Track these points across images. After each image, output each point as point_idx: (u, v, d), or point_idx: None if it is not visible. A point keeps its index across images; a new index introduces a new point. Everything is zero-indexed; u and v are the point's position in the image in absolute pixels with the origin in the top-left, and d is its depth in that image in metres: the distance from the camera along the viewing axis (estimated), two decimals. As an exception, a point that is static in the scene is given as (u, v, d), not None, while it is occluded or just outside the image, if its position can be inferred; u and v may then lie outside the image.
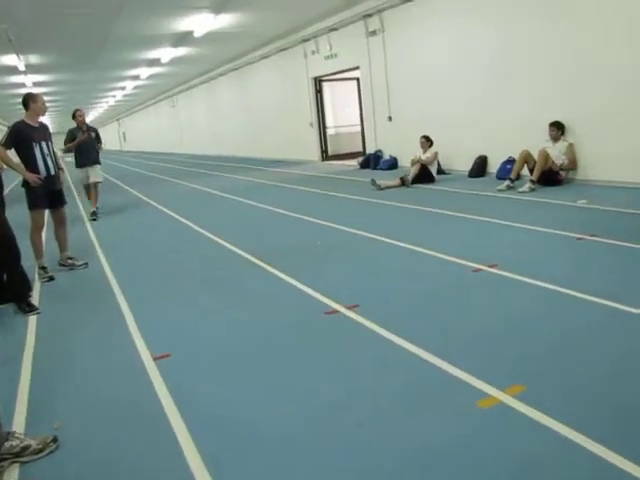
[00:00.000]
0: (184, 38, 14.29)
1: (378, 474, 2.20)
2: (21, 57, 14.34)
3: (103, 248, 6.97)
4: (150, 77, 21.94)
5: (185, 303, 4.60)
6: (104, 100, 32.61)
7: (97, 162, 9.68)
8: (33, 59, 15.21)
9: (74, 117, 9.49)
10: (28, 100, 5.62)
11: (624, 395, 2.58)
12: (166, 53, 16.52)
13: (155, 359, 3.43)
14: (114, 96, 30.21)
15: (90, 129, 9.65)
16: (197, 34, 13.63)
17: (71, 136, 9.42)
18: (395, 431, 2.46)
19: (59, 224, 6.04)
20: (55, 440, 2.56)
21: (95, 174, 9.66)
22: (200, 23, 12.61)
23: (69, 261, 6.05)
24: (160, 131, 35.05)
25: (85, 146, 9.42)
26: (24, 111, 5.69)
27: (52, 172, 5.70)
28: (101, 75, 20.47)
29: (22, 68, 15.76)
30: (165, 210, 9.76)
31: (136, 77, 22.05)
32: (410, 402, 2.71)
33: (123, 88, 26.14)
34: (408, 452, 2.31)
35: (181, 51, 16.31)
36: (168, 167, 21.44)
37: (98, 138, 9.74)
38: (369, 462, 2.27)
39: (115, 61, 17.49)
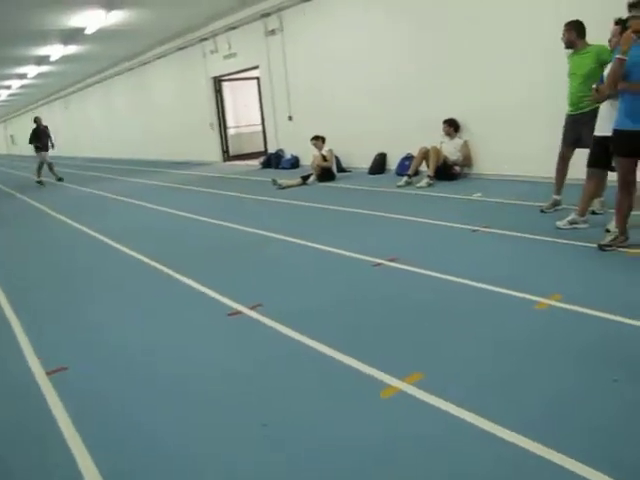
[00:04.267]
0: (75, 35, 13.63)
1: (278, 473, 2.18)
2: None
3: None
4: (39, 76, 20.80)
5: (79, 311, 4.38)
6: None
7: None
8: None
9: (35, 121, 13.90)
10: None
11: (506, 370, 2.71)
12: (56, 50, 15.72)
13: (49, 374, 3.23)
14: (-2, 96, 28.45)
15: (46, 128, 14.36)
16: (88, 31, 13.06)
17: (35, 133, 14.32)
18: (300, 428, 2.45)
19: None
20: None
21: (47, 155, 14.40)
22: (91, 19, 12.08)
23: None
24: (53, 133, 33.32)
25: (45, 139, 14.39)
26: None
27: None
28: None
29: None
30: (57, 215, 9.28)
31: (23, 75, 20.84)
32: (316, 398, 2.71)
33: (8, 87, 24.61)
34: (314, 448, 2.30)
35: (72, 49, 15.56)
36: (61, 171, 20.40)
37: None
38: (273, 461, 2.24)
39: (-2, 58, 16.47)
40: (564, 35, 5.49)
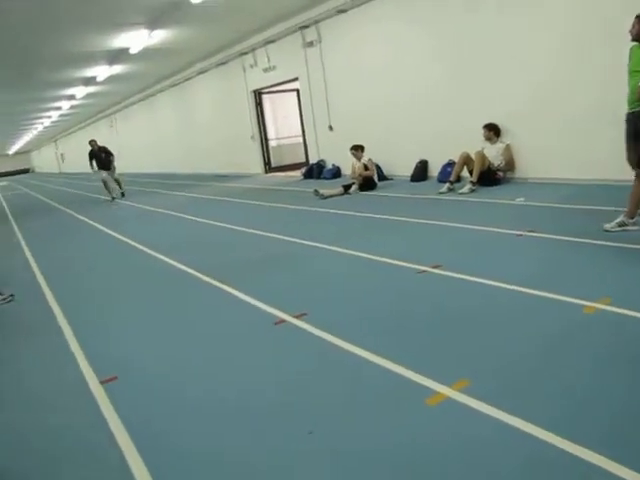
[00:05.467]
0: (120, 55, 14.08)
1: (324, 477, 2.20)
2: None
3: (43, 272, 6.75)
4: (87, 96, 21.49)
5: (128, 321, 4.50)
6: (39, 122, 31.74)
7: (109, 168, 15.07)
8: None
9: (90, 143, 14.95)
10: None
11: (556, 377, 2.66)
12: (102, 71, 16.23)
13: (102, 382, 3.34)
14: (50, 117, 29.43)
15: (102, 148, 15.10)
16: (133, 51, 13.45)
17: (93, 156, 15.00)
18: (346, 436, 2.47)
19: None
20: None
21: (112, 174, 15.01)
22: (135, 39, 12.45)
23: None
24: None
25: (103, 160, 14.97)
26: None
27: None
28: (35, 95, 19.94)
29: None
30: (106, 230, 9.54)
31: (72, 97, 21.56)
32: (362, 405, 2.72)
33: (59, 108, 25.49)
34: (359, 455, 2.31)
35: (117, 69, 16.06)
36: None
37: (109, 153, 15.21)
38: (321, 469, 2.27)
39: (49, 80, 17.08)
40: (634, 27, 5.03)
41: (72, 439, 2.77)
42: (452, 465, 2.18)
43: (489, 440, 2.29)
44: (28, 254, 8.22)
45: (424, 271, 4.68)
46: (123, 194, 15.23)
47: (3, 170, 61.78)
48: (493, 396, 2.57)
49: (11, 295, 5.66)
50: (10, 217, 14.50)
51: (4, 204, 19.95)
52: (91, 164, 15.09)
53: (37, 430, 2.91)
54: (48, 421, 3.00)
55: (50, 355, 3.99)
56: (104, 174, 14.94)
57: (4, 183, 41.27)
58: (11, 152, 63.51)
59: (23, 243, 9.35)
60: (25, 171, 64.61)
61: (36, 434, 2.88)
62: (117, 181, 15.31)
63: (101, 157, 15.00)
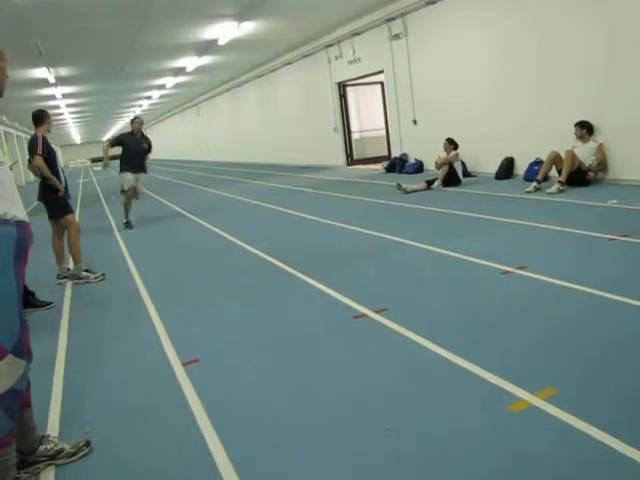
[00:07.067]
0: (208, 46, 14.45)
1: (406, 476, 2.19)
2: (51, 70, 14.64)
3: (133, 257, 7.05)
4: (175, 86, 22.21)
5: (215, 309, 4.63)
6: (131, 110, 33.10)
7: (144, 170, 9.58)
8: (62, 71, 15.52)
9: (131, 122, 9.53)
10: (43, 116, 5.79)
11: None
12: (191, 62, 16.72)
13: (184, 364, 3.46)
14: (140, 105, 30.65)
15: (144, 138, 9.53)
16: (221, 42, 13.77)
17: (119, 140, 9.35)
18: (424, 435, 2.45)
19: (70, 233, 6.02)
20: (88, 444, 2.60)
21: (142, 182, 9.56)
22: (224, 31, 12.74)
23: (84, 273, 5.95)
24: (185, 139, 35.43)
25: (136, 151, 9.27)
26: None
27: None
28: (128, 85, 20.80)
29: (52, 80, 16.08)
30: (193, 217, 9.85)
31: (162, 86, 22.34)
32: (440, 406, 2.68)
33: (149, 97, 26.49)
34: (435, 456, 2.29)
35: (205, 59, 16.48)
36: (195, 175, 21.67)
37: (149, 149, 9.50)
38: (397, 466, 2.26)
39: (141, 71, 17.77)
40: None
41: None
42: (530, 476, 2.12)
43: (574, 454, 2.21)
44: (119, 238, 8.62)
45: (508, 272, 4.56)
46: (129, 222, 9.47)
47: (97, 156, 64.90)
48: (578, 407, 2.48)
49: (102, 274, 5.98)
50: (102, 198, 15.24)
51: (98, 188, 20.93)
52: (108, 145, 9.50)
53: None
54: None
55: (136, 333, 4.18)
56: (131, 178, 9.23)
57: (98, 168, 43.32)
58: (104, 138, 66.62)
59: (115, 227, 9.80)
60: (116, 157, 67.53)
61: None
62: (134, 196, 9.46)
63: (136, 149, 9.28)
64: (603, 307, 3.67)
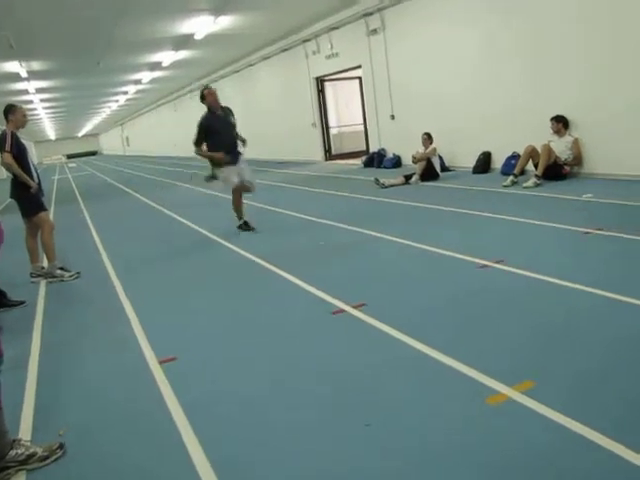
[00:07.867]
0: (185, 41, 14.30)
1: (384, 474, 2.18)
2: (23, 64, 14.37)
3: (109, 254, 6.96)
4: (152, 81, 21.98)
5: (193, 306, 4.59)
6: (107, 105, 32.70)
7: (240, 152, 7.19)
8: (35, 65, 15.24)
9: (203, 98, 7.03)
10: (13, 111, 5.63)
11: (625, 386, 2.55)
12: (167, 56, 16.55)
13: (161, 362, 3.42)
14: (117, 101, 30.28)
15: (224, 110, 7.16)
16: (198, 37, 13.65)
17: (204, 130, 6.87)
18: (403, 430, 2.44)
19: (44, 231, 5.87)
20: (61, 447, 2.54)
21: (247, 169, 7.27)
22: (200, 25, 12.62)
23: (58, 271, 5.84)
24: (163, 135, 35.09)
25: (226, 132, 6.93)
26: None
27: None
28: (103, 80, 20.52)
29: (24, 75, 15.80)
30: (169, 213, 9.76)
31: (138, 81, 22.08)
32: (419, 400, 2.68)
33: (126, 92, 26.18)
34: (415, 451, 2.28)
35: (182, 54, 16.33)
36: (173, 171, 21.46)
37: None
38: (377, 463, 2.25)
39: (117, 66, 17.55)
40: None
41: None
42: (508, 467, 2.12)
43: (548, 444, 2.22)
44: (94, 233, 8.51)
45: (485, 266, 4.57)
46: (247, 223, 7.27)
47: (72, 152, 64.16)
48: (555, 400, 2.49)
49: (77, 272, 5.90)
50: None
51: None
52: (199, 146, 7.02)
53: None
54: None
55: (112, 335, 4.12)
56: (232, 173, 7.00)
57: (73, 165, 42.78)
58: (80, 134, 65.86)
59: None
60: (93, 153, 66.84)
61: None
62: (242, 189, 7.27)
63: (225, 128, 7.06)
64: (579, 300, 3.70)
